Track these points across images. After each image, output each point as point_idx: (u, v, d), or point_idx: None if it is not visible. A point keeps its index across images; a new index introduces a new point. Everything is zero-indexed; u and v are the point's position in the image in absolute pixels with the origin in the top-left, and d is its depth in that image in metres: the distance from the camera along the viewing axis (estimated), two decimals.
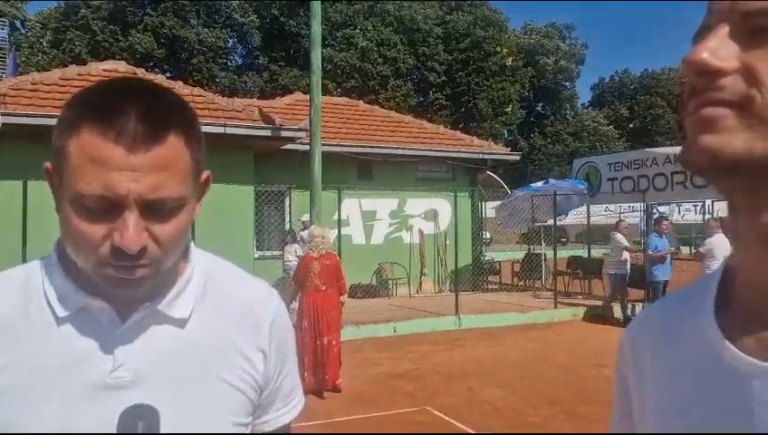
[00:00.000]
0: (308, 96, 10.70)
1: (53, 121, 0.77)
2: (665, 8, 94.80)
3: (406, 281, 13.33)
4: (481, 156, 14.38)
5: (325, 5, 30.15)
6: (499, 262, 15.69)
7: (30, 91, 9.61)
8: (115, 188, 0.68)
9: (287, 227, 12.18)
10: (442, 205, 13.87)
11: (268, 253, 11.84)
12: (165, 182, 0.71)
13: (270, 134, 10.45)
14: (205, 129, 0.79)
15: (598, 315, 10.79)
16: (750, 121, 0.49)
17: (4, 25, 27.59)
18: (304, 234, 9.14)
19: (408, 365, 7.55)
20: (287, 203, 12.68)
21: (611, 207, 19.55)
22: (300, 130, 10.67)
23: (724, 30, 0.51)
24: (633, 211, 15.73)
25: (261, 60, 38.07)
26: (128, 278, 0.72)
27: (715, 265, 8.09)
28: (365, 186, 13.08)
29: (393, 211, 13.74)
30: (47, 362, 0.74)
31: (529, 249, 15.93)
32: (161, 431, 0.74)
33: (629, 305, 10.58)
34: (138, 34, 33.02)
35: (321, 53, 10.18)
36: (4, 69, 22.28)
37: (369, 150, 12.93)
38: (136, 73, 10.87)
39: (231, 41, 38.48)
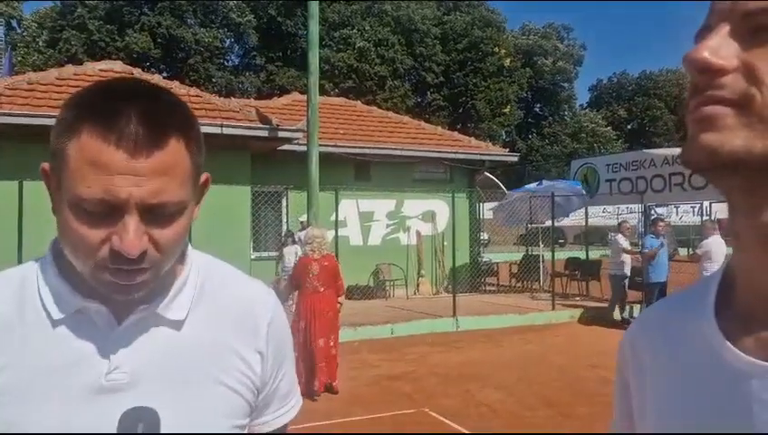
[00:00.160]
0: (305, 96, 10.71)
1: (50, 122, 0.76)
2: (663, 9, 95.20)
3: (403, 282, 13.31)
4: (479, 157, 14.39)
5: (323, 6, 30.21)
6: (497, 263, 15.70)
7: (26, 90, 9.58)
8: (116, 192, 0.68)
9: (284, 228, 12.13)
10: (440, 206, 13.88)
11: (265, 254, 11.83)
12: (166, 187, 0.70)
13: (267, 135, 10.43)
14: (202, 129, 0.78)
15: (595, 317, 10.80)
16: (750, 120, 0.49)
17: (0, 25, 27.52)
18: (301, 234, 9.13)
19: (405, 367, 7.54)
20: (284, 204, 12.67)
21: (609, 208, 19.59)
22: (297, 130, 10.66)
23: (725, 29, 0.51)
24: (631, 213, 15.74)
25: (258, 60, 38.11)
26: (127, 284, 0.72)
27: (712, 266, 8.17)
28: (362, 187, 13.08)
29: (390, 212, 13.73)
30: (45, 363, 0.74)
31: (527, 250, 15.92)
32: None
33: (627, 307, 10.60)
34: (134, 34, 33.02)
35: (319, 53, 10.19)
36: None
37: (367, 151, 12.92)
38: (132, 73, 10.86)
39: (228, 41, 38.52)
